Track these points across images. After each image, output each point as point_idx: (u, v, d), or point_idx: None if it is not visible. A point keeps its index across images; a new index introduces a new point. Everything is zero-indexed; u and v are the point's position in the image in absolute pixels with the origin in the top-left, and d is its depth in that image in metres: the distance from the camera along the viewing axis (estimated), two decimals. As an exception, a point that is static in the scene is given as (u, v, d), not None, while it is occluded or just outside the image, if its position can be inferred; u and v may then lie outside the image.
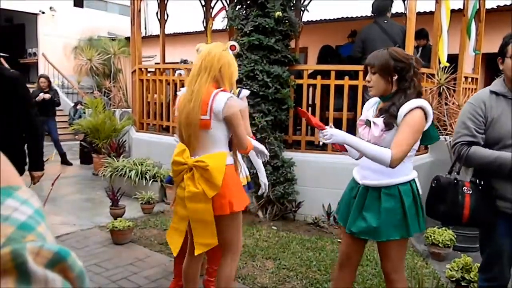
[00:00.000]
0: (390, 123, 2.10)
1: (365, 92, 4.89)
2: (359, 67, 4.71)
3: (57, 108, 8.37)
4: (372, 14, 5.47)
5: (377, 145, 2.10)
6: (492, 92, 2.26)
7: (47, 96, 7.75)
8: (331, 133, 2.11)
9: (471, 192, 2.21)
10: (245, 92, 2.91)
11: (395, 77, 2.13)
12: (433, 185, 2.33)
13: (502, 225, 2.23)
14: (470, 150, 2.20)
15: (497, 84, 2.29)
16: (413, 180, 2.23)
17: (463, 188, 2.22)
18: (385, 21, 5.20)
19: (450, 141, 4.37)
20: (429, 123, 2.13)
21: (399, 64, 2.12)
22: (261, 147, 2.64)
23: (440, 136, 4.62)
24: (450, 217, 2.29)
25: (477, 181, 2.26)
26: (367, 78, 2.20)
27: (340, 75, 4.95)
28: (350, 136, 2.13)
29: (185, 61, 9.38)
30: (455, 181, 2.23)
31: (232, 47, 2.58)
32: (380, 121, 2.13)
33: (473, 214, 2.19)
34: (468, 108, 2.29)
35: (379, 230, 2.16)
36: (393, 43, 5.08)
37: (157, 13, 7.72)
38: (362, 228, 2.21)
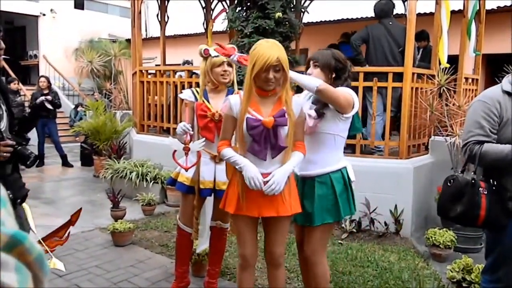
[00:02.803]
0: (322, 112, 2.33)
1: (366, 93, 4.89)
2: (360, 69, 4.72)
3: (57, 110, 8.38)
4: (375, 17, 5.46)
5: (313, 134, 2.38)
6: (504, 92, 2.21)
7: (48, 97, 7.76)
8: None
9: (486, 192, 2.18)
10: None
11: (333, 75, 2.43)
12: (449, 184, 2.29)
13: None
14: (483, 147, 2.16)
15: (507, 84, 2.24)
16: (344, 168, 2.44)
17: (480, 189, 2.18)
18: (390, 23, 5.21)
19: (450, 142, 4.37)
20: (355, 110, 2.36)
21: (339, 64, 2.42)
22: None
23: (441, 137, 4.63)
24: (467, 218, 2.24)
25: (491, 181, 2.22)
26: (309, 71, 2.47)
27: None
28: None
29: (187, 62, 9.36)
30: (473, 181, 2.19)
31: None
32: (313, 112, 2.34)
33: (488, 215, 2.16)
34: (481, 107, 2.22)
35: (314, 215, 2.37)
36: (397, 45, 5.09)
37: (157, 15, 7.73)
38: (300, 215, 2.41)
